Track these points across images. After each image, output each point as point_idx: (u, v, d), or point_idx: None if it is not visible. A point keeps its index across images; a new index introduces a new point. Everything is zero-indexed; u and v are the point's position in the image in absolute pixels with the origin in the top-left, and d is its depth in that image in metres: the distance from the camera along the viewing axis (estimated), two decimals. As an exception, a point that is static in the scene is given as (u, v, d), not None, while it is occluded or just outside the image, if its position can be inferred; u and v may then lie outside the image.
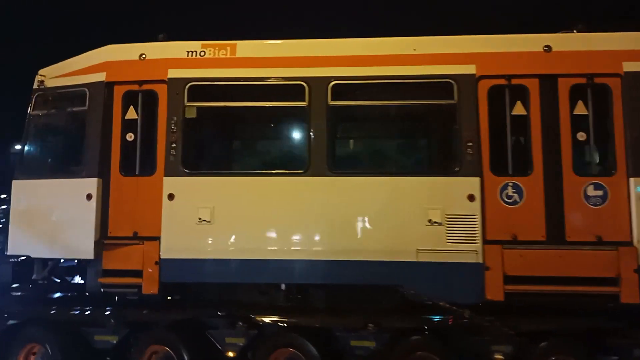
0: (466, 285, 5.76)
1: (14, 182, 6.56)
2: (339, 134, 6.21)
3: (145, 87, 6.37)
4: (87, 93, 6.45)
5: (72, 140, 6.60)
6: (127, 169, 6.33)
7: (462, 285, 5.77)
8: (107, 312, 5.99)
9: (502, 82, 5.99)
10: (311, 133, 6.00)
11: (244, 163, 7.30)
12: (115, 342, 5.99)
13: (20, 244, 6.45)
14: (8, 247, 6.48)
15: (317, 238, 5.91)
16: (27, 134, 6.68)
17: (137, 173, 6.31)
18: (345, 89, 6.11)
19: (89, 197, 6.22)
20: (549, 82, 5.97)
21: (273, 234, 5.96)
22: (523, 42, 6.09)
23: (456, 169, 5.86)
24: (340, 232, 5.88)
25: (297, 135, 6.50)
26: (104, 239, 6.21)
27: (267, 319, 5.65)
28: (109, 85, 6.41)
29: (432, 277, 5.77)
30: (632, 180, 5.75)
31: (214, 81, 6.22)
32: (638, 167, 5.73)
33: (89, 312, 6.07)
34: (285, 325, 5.61)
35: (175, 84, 6.26)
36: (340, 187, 5.93)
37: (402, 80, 6.06)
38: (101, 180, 6.25)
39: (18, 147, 6.74)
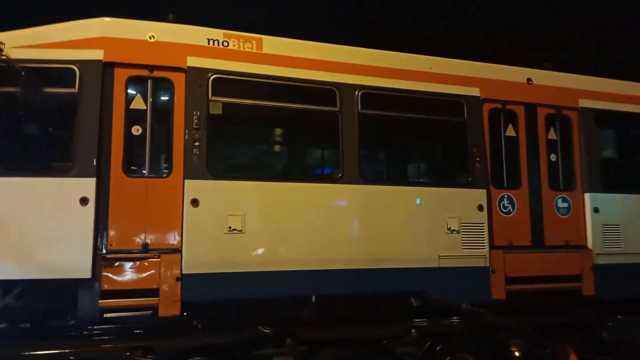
0: (476, 287, 6.34)
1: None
2: (368, 142, 6.20)
3: (157, 73, 5.43)
4: (77, 72, 5.19)
5: (53, 130, 5.26)
6: (133, 168, 5.29)
7: (473, 287, 6.33)
8: (132, 343, 4.88)
9: (499, 106, 6.80)
10: (343, 140, 5.92)
11: (274, 168, 6.67)
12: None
13: None
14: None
15: (351, 247, 5.82)
16: None
17: (146, 174, 5.33)
18: (372, 99, 6.16)
19: (83, 201, 5.00)
20: (531, 110, 7.00)
21: (307, 243, 5.66)
22: (513, 73, 7.02)
23: (469, 181, 6.43)
24: (373, 240, 5.91)
25: (328, 141, 6.25)
26: (103, 254, 5.07)
27: (318, 334, 5.34)
28: (107, 66, 5.28)
29: (450, 281, 6.21)
30: (585, 195, 7.09)
31: (243, 76, 5.65)
32: (589, 184, 7.09)
33: (102, 343, 4.87)
34: (338, 338, 5.38)
35: (197, 75, 5.49)
36: (371, 196, 5.96)
37: (422, 95, 6.40)
38: (98, 181, 5.10)
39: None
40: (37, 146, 5.44)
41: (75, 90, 5.18)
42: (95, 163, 5.08)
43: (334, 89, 5.97)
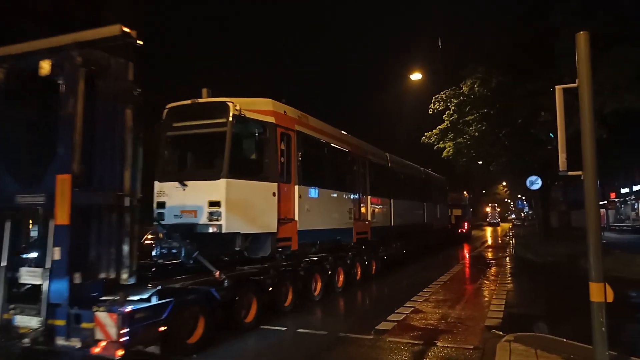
0: (350, 236, 14.39)
1: (226, 180, 9.14)
2: (335, 172, 13.17)
3: (288, 132, 10.93)
4: (267, 128, 10.18)
5: (258, 155, 9.96)
6: (282, 178, 10.64)
7: (349, 236, 14.35)
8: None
9: (360, 158, 15.08)
10: (343, 171, 12.91)
11: (317, 181, 12.25)
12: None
13: (233, 224, 9.23)
14: (224, 226, 9.06)
15: (332, 218, 12.82)
16: (231, 146, 9.30)
17: (284, 181, 10.76)
18: (334, 150, 13.30)
19: (274, 194, 10.17)
20: (364, 160, 15.58)
21: (322, 217, 12.33)
22: (350, 139, 15.43)
23: (357, 191, 14.43)
24: (334, 216, 13.09)
25: (326, 168, 12.76)
26: (279, 220, 10.30)
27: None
28: (276, 126, 10.44)
29: (348, 234, 14.06)
30: (367, 197, 16.28)
31: (306, 137, 11.77)
32: (371, 192, 16.29)
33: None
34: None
35: (299, 134, 11.30)
36: (332, 197, 13.12)
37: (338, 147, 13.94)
38: (278, 185, 10.31)
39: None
40: (252, 164, 9.91)
41: (267, 136, 10.18)
42: (278, 175, 10.29)
43: (325, 145, 12.82)
